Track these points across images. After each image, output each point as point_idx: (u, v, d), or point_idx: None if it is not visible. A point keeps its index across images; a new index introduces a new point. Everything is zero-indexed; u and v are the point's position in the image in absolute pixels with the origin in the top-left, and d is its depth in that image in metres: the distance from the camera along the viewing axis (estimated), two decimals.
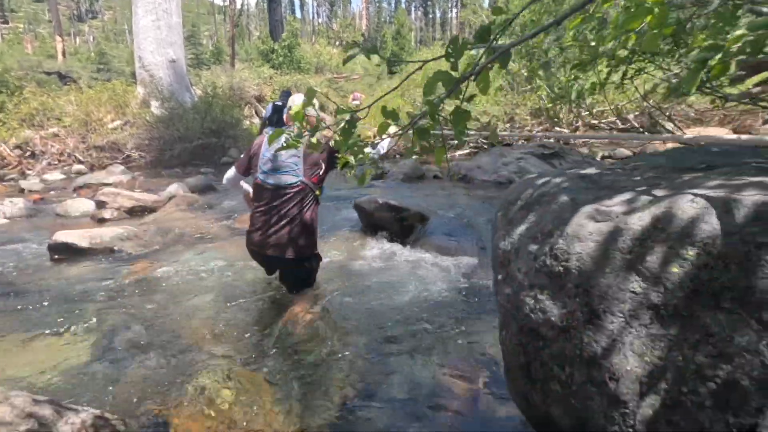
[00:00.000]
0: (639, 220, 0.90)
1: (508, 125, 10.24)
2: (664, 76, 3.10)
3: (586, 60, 2.03)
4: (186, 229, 4.40)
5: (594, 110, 11.34)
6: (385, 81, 19.60)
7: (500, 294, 1.22)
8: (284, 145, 1.14)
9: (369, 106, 1.07)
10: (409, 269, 3.27)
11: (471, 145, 10.92)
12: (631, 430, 0.88)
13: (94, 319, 2.57)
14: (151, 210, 5.30)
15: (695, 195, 0.86)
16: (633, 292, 0.88)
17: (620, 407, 0.89)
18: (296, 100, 2.54)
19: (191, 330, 2.45)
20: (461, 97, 0.98)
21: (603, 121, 12.13)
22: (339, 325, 2.47)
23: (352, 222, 4.38)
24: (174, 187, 5.96)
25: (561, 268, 1.00)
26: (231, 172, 2.74)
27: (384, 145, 2.50)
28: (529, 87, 10.47)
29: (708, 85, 2.89)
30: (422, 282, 3.03)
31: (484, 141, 10.55)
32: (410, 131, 1.32)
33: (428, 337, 2.32)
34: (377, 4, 52.03)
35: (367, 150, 1.23)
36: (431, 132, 1.17)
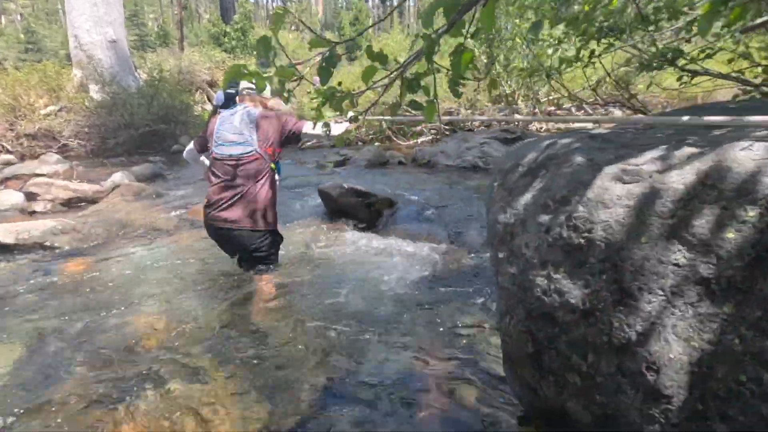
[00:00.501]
0: (681, 178, 0.75)
1: (469, 111, 10.22)
2: (636, 53, 3.07)
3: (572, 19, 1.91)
4: (132, 220, 3.99)
5: (550, 96, 11.60)
6: (344, 67, 19.19)
7: (502, 274, 1.06)
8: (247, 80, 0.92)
9: (353, 39, 0.86)
10: (380, 256, 3.09)
11: (432, 131, 10.86)
12: (675, 430, 0.74)
13: (18, 326, 2.21)
14: (92, 201, 4.80)
15: (751, 144, 0.71)
16: (676, 264, 0.73)
17: (661, 402, 0.75)
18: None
19: (138, 331, 2.15)
20: (465, 30, 0.79)
21: (562, 108, 12.43)
22: (308, 317, 2.25)
23: (316, 209, 4.13)
24: (118, 176, 5.45)
25: (582, 240, 0.84)
26: (190, 145, 2.79)
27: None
28: (488, 73, 10.48)
29: (679, 62, 2.85)
30: (394, 269, 2.86)
31: (446, 127, 10.50)
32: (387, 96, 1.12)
33: (405, 326, 2.15)
34: None
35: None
36: (422, 84, 0.98)
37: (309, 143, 9.80)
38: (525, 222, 0.98)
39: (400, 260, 3.01)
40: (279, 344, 2.00)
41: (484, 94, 10.27)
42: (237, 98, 2.63)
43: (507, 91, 10.79)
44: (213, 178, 2.55)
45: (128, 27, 13.13)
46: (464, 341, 2.00)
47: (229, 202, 2.47)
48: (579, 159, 0.92)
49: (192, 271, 2.84)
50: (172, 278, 2.74)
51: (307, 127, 2.54)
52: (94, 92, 9.21)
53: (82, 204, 4.73)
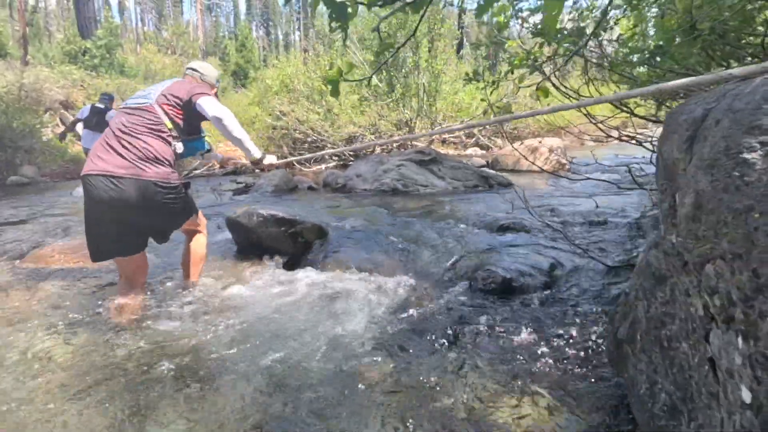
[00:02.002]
0: None
1: (373, 136, 9.99)
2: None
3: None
4: None
5: (444, 123, 12.14)
6: (231, 95, 18.02)
7: None
8: None
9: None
10: (320, 297, 2.36)
11: (335, 158, 10.40)
12: None
13: None
14: None
15: None
16: None
17: None
18: (206, 68, 2.48)
19: None
20: None
21: (452, 135, 13.02)
22: (247, 394, 1.44)
23: (224, 245, 3.24)
24: None
25: None
26: None
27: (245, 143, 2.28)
28: (390, 100, 10.46)
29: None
30: (342, 312, 2.16)
31: (351, 154, 10.12)
32: None
33: (377, 393, 1.47)
34: (214, 18, 49.25)
35: None
36: None
37: (198, 171, 8.56)
38: None
39: (349, 299, 2.33)
40: None
41: (387, 119, 10.15)
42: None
43: (406, 117, 10.89)
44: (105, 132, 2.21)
45: None
46: (461, 409, 1.38)
47: (118, 152, 2.05)
48: None
49: (40, 342, 1.81)
50: (5, 358, 1.68)
51: (213, 107, 2.14)
52: None
53: None
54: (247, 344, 1.84)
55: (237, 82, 19.56)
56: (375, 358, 1.73)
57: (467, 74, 2.97)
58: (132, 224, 2.12)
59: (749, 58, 2.26)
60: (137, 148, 2.05)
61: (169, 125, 2.17)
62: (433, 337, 1.89)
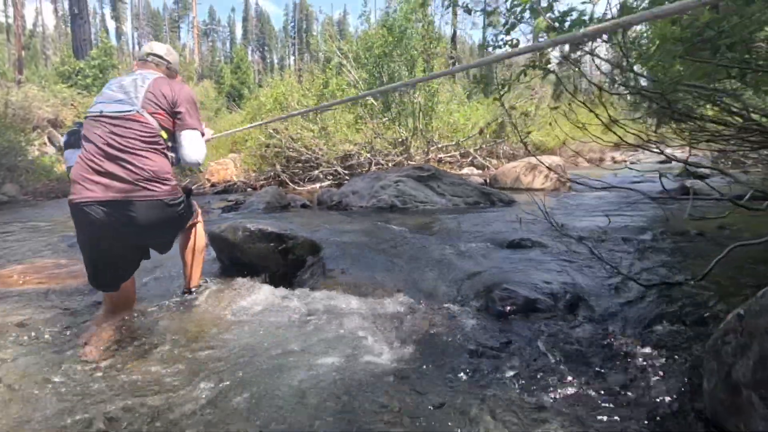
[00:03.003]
0: None
1: (369, 154, 9.78)
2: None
3: None
4: None
5: (440, 144, 12.05)
6: (224, 115, 17.94)
7: None
8: None
9: None
10: (314, 321, 2.05)
11: (329, 177, 10.18)
12: None
13: None
14: None
15: None
16: None
17: None
18: (171, 53, 2.25)
19: None
20: None
21: (448, 155, 12.87)
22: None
23: (207, 264, 2.92)
24: None
25: None
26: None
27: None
28: (385, 118, 10.32)
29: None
30: (340, 338, 1.85)
31: (346, 172, 9.91)
32: None
33: None
34: (210, 44, 50.07)
35: None
36: None
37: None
38: None
39: (345, 323, 2.02)
40: None
41: (383, 138, 9.98)
42: (134, 64, 2.19)
43: (403, 136, 10.74)
44: (83, 147, 1.92)
45: None
46: None
47: (117, 174, 1.83)
48: None
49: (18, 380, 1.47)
50: None
51: (195, 150, 2.03)
52: None
53: None
54: (229, 380, 1.52)
55: (232, 101, 19.51)
56: (378, 395, 1.41)
57: (475, 77, 2.77)
58: (138, 244, 2.02)
59: (750, 72, 2.20)
60: (139, 167, 1.87)
61: (165, 136, 2.00)
62: (447, 367, 1.58)
